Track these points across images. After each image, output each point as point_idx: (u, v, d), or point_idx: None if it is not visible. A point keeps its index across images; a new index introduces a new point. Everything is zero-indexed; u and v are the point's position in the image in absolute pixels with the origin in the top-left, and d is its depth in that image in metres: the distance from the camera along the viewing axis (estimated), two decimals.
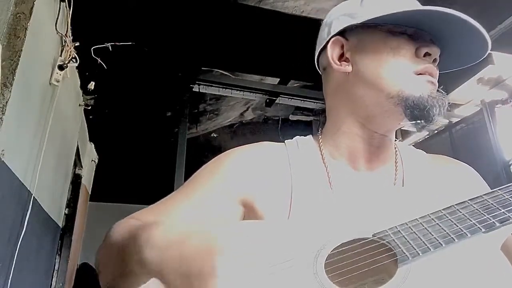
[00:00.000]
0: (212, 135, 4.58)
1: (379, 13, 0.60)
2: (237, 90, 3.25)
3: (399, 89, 0.60)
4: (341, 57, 0.66)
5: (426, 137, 4.18)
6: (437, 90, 0.61)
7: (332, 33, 0.66)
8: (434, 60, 0.62)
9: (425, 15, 0.59)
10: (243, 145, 0.70)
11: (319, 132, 0.72)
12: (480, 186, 0.68)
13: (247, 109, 4.19)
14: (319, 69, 0.74)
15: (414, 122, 0.61)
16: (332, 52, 0.66)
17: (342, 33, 0.66)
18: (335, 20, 0.67)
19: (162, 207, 0.62)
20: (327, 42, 0.67)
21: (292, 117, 4.16)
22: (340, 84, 0.67)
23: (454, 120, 3.74)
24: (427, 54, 0.61)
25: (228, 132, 4.70)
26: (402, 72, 0.61)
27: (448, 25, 0.59)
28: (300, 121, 4.19)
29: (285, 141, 0.71)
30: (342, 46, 0.66)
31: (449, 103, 0.62)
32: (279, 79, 3.35)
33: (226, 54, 2.91)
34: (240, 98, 3.55)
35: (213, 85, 3.18)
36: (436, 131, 4.00)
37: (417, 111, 0.59)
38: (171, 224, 0.49)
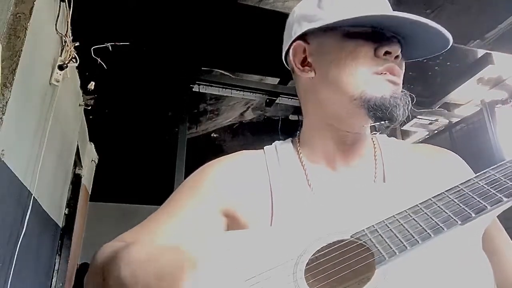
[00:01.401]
0: (212, 135, 4.57)
1: (337, 17, 0.59)
2: (237, 90, 3.25)
3: (361, 91, 0.59)
4: (304, 61, 0.66)
5: (426, 137, 4.18)
6: (402, 90, 0.60)
7: (293, 37, 0.66)
8: (396, 57, 0.61)
9: (382, 19, 0.59)
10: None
11: (297, 136, 0.72)
12: (465, 173, 0.65)
13: (247, 109, 4.18)
14: (288, 67, 0.73)
15: (378, 123, 0.61)
16: (295, 58, 0.66)
17: (304, 35, 0.65)
18: (295, 23, 0.66)
19: (146, 229, 0.61)
20: (290, 45, 0.67)
21: (292, 117, 4.16)
22: (308, 89, 0.67)
23: (454, 120, 3.74)
24: (387, 53, 0.60)
25: (228, 132, 4.69)
26: (362, 74, 0.60)
27: (404, 23, 0.58)
28: (300, 121, 4.18)
29: (264, 147, 0.71)
30: (304, 50, 0.66)
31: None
32: (279, 79, 3.35)
33: (226, 54, 2.91)
34: (240, 98, 3.55)
35: (213, 85, 3.18)
36: (436, 131, 4.00)
37: (379, 112, 0.58)
38: (150, 240, 0.48)
